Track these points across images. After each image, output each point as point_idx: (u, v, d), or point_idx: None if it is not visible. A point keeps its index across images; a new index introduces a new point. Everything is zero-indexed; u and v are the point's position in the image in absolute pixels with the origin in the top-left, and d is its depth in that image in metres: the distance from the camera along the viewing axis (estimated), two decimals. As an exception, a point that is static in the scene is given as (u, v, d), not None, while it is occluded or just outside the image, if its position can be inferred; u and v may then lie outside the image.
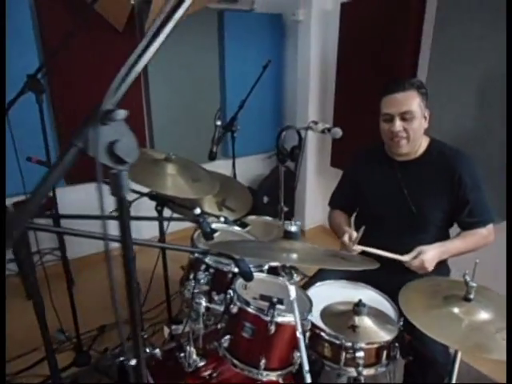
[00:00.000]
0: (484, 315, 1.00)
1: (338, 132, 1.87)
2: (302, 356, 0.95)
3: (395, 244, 1.37)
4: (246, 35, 3.22)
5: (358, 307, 1.04)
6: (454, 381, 1.06)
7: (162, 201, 1.62)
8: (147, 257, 1.81)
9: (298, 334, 0.93)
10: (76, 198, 2.80)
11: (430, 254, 1.32)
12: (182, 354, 1.31)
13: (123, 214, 0.53)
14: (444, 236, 1.50)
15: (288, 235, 0.98)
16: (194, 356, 1.31)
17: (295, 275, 0.96)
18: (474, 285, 1.02)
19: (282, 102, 3.61)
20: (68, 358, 2.10)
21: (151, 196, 1.65)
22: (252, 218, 1.89)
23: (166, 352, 1.37)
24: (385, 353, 1.15)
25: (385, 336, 1.03)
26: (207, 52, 3.12)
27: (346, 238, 1.39)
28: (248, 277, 1.11)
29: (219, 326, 1.22)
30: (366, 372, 1.13)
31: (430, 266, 1.31)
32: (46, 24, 2.39)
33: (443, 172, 1.45)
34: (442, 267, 1.45)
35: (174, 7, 0.48)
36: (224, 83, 3.24)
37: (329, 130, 1.90)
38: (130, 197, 1.62)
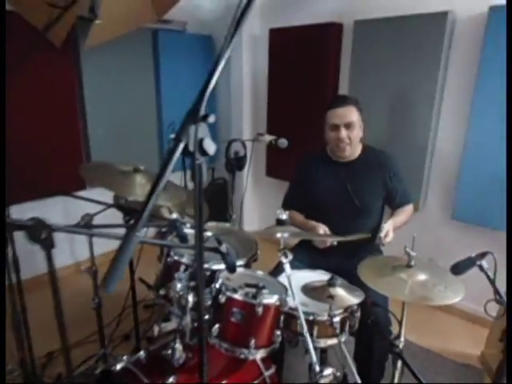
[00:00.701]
0: (423, 276, 1.29)
1: (284, 142, 2.12)
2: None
3: (344, 231, 1.64)
4: (180, 54, 3.36)
5: (331, 280, 1.26)
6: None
7: (129, 211, 1.68)
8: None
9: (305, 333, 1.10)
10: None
11: (389, 226, 1.68)
12: (169, 351, 1.39)
13: (200, 199, 0.66)
14: (380, 216, 1.85)
15: (280, 222, 1.17)
16: (180, 351, 1.39)
17: (289, 254, 1.14)
18: (414, 254, 1.31)
19: (216, 117, 3.79)
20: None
21: (118, 206, 1.70)
22: (211, 224, 2.01)
23: (151, 353, 1.43)
24: (348, 323, 1.38)
25: (355, 300, 1.26)
26: (143, 70, 3.18)
27: (322, 231, 1.65)
28: (232, 269, 1.25)
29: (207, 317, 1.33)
30: (336, 340, 1.35)
31: (391, 235, 1.66)
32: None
33: (377, 169, 1.80)
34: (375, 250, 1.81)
35: (239, 20, 0.63)
36: (160, 100, 3.32)
37: (276, 140, 2.15)
38: (95, 209, 1.64)
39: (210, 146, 0.62)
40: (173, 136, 2.00)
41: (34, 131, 2.61)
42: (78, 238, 2.33)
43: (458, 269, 1.16)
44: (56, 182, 2.71)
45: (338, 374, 1.26)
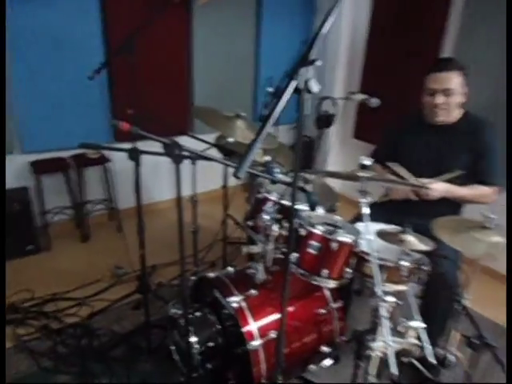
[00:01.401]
0: (498, 238, 1.33)
1: (376, 101, 2.17)
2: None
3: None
4: (281, 10, 3.44)
5: (404, 228, 1.37)
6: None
7: (228, 151, 1.93)
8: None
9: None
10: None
11: (438, 185, 1.66)
12: (253, 270, 1.66)
13: (300, 130, 0.83)
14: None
15: (363, 167, 1.30)
16: (262, 272, 1.65)
17: (368, 196, 1.28)
18: (493, 216, 1.34)
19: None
20: (130, 287, 2.44)
21: (219, 147, 1.96)
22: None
23: (238, 270, 1.72)
24: (416, 274, 1.48)
25: (425, 247, 1.35)
26: (246, 25, 3.37)
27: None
28: (314, 207, 1.43)
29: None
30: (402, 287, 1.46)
31: (435, 193, 1.64)
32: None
33: (470, 137, 1.77)
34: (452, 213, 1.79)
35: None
36: (259, 55, 3.49)
37: (368, 99, 2.19)
38: (201, 147, 1.92)
39: (315, 86, 0.77)
40: (271, 89, 2.21)
41: (153, 76, 2.97)
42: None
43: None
44: (169, 123, 3.09)
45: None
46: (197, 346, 1.54)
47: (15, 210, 2.65)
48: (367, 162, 1.30)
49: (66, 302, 2.32)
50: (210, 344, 1.61)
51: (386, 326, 1.19)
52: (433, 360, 1.21)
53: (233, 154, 1.93)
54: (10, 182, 2.72)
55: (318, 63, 0.77)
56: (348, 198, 3.02)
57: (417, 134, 1.88)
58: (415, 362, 1.78)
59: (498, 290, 2.48)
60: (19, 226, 2.70)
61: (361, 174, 1.30)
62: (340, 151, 3.68)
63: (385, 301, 1.24)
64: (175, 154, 1.07)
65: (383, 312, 1.21)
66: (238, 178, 0.75)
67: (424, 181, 1.64)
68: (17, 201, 2.67)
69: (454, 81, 1.70)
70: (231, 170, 0.76)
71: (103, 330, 2.12)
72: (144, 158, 1.59)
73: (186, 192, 2.64)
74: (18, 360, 1.92)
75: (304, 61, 0.77)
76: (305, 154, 3.42)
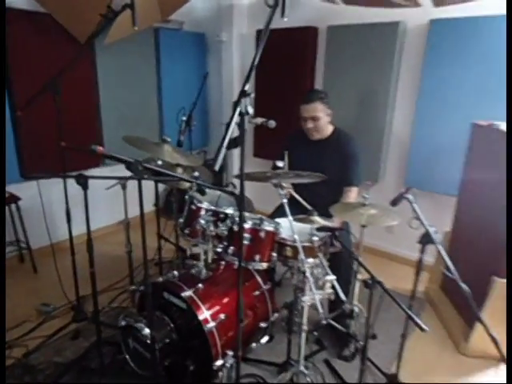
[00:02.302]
0: (373, 211, 1.88)
1: (272, 123, 2.64)
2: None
3: (313, 191, 2.19)
4: (177, 50, 3.85)
5: (311, 212, 1.83)
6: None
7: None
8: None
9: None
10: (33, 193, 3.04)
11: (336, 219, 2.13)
12: (194, 270, 1.94)
13: (242, 147, 1.20)
14: (339, 188, 2.38)
15: (275, 168, 1.73)
16: (204, 269, 1.94)
17: (284, 189, 1.70)
18: (367, 196, 1.90)
19: (208, 105, 4.30)
20: (62, 320, 2.43)
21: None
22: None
23: (183, 272, 1.97)
24: (323, 248, 1.95)
25: (329, 223, 1.83)
26: (146, 63, 3.66)
27: None
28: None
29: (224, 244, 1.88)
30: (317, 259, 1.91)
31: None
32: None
33: (340, 148, 2.37)
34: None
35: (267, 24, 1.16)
36: (161, 89, 3.80)
37: (266, 122, 2.69)
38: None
39: (250, 109, 1.16)
40: (184, 118, 2.59)
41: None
42: (114, 202, 2.73)
43: (393, 202, 1.74)
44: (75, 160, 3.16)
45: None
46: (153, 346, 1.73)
47: None
48: (280, 163, 1.74)
49: (-7, 348, 2.21)
50: (166, 341, 1.81)
51: (310, 282, 1.59)
52: (343, 297, 1.62)
53: (161, 174, 2.19)
54: None
55: (252, 95, 1.16)
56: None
57: (302, 147, 2.43)
58: (332, 322, 2.27)
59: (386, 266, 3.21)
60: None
61: (272, 172, 1.73)
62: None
63: (307, 263, 1.65)
64: (138, 170, 1.33)
65: (308, 273, 1.62)
66: (214, 171, 1.08)
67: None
68: None
69: (318, 108, 2.29)
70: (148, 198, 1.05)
71: (44, 365, 2.11)
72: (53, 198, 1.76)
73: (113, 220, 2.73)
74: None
75: (243, 93, 1.15)
76: (215, 174, 3.81)
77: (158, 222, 2.52)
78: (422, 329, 1.48)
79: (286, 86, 3.52)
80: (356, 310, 2.16)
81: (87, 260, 1.78)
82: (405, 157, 3.13)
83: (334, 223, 2.12)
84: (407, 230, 1.67)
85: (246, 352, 2.13)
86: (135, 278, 2.62)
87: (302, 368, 1.85)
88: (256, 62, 1.19)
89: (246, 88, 1.16)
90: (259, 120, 2.74)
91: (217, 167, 1.11)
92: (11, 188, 2.97)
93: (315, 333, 2.34)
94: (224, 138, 1.13)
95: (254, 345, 2.10)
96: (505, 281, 2.12)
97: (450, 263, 1.61)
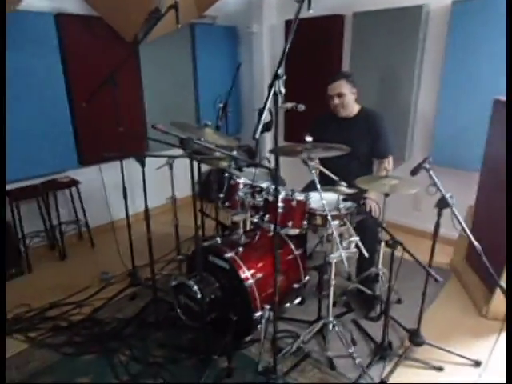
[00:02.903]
0: (395, 181, 2.07)
1: (302, 107, 2.85)
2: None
3: (342, 166, 2.38)
4: (211, 42, 4.13)
5: (338, 182, 2.04)
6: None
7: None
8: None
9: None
10: (90, 178, 3.43)
11: (371, 195, 2.39)
12: (235, 236, 2.22)
13: (276, 122, 1.44)
14: (369, 161, 2.60)
15: (306, 142, 1.96)
16: (243, 235, 2.22)
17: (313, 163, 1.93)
18: (390, 168, 2.08)
19: (240, 94, 4.56)
20: (120, 286, 2.80)
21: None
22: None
23: (224, 237, 2.26)
24: (350, 217, 2.17)
25: (352, 190, 2.04)
26: (183, 55, 3.96)
27: None
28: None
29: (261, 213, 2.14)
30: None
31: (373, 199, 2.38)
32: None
33: (367, 124, 2.56)
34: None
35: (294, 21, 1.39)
36: (196, 79, 4.11)
37: (296, 106, 2.91)
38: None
39: (283, 89, 1.39)
40: (221, 105, 2.90)
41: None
42: (160, 186, 2.98)
43: (413, 172, 1.93)
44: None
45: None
46: (202, 300, 2.01)
47: (-4, 236, 2.85)
48: (309, 138, 1.97)
49: (65, 307, 2.60)
50: (212, 297, 2.10)
51: (337, 241, 1.82)
52: (366, 254, 1.83)
53: (204, 154, 2.47)
54: (-13, 213, 2.92)
55: (284, 77, 1.40)
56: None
57: (331, 127, 2.63)
58: (359, 286, 2.49)
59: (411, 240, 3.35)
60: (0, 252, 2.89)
61: (302, 146, 1.96)
62: (272, 155, 4.39)
63: (334, 225, 1.88)
64: (190, 145, 1.61)
65: (335, 233, 1.84)
66: (255, 139, 1.34)
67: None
68: (-4, 229, 2.87)
69: (342, 85, 2.49)
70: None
71: (109, 320, 2.47)
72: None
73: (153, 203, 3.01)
74: (40, 355, 2.19)
75: (276, 76, 1.38)
76: (250, 154, 4.08)
77: (200, 198, 2.81)
78: (436, 279, 1.68)
79: (315, 72, 3.70)
80: (381, 273, 2.37)
81: (140, 236, 2.09)
82: (430, 135, 3.25)
83: (371, 196, 2.34)
84: (433, 208, 1.86)
85: (281, 311, 2.40)
86: (181, 249, 2.95)
87: (331, 318, 2.09)
88: (287, 51, 1.41)
89: (279, 72, 1.39)
90: (289, 104, 2.96)
91: (257, 135, 1.36)
92: (70, 173, 3.38)
93: (344, 297, 2.57)
94: (262, 111, 1.36)
95: (287, 305, 2.37)
96: (524, 247, 2.25)
97: (464, 224, 1.78)
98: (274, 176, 1.90)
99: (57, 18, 3.03)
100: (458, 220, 1.78)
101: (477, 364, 2.07)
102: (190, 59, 4.02)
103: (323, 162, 2.46)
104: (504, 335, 2.30)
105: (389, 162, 2.59)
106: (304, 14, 1.48)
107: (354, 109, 2.61)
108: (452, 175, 3.12)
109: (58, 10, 3.06)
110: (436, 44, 3.07)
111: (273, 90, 1.39)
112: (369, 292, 2.45)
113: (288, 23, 3.77)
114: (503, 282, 2.21)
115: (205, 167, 3.51)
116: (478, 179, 2.76)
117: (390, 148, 2.61)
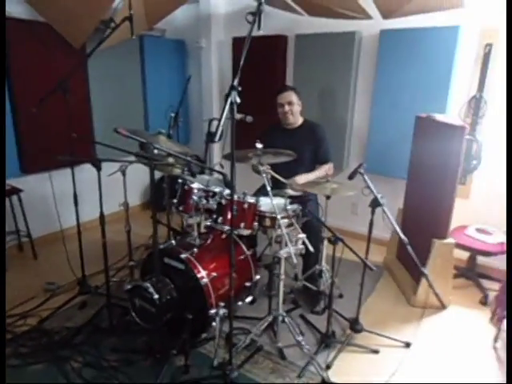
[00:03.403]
0: (335, 185, 2.32)
1: (250, 118, 3.07)
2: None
3: (288, 172, 2.60)
4: (160, 55, 4.22)
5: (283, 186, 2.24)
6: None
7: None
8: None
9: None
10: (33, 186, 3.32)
11: (300, 179, 2.61)
12: (189, 238, 2.32)
13: (233, 132, 1.60)
14: (312, 166, 2.85)
15: (257, 149, 2.14)
16: (197, 237, 2.33)
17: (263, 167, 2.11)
18: (330, 173, 2.34)
19: (188, 105, 4.67)
20: (68, 295, 2.73)
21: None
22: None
23: (179, 240, 2.34)
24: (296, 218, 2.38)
25: (296, 193, 2.25)
26: (132, 66, 4.00)
27: None
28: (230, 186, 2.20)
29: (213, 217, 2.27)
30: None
31: (300, 183, 2.57)
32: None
33: (310, 133, 2.82)
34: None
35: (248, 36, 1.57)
36: (145, 89, 4.16)
37: (244, 117, 3.10)
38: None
39: (238, 99, 1.55)
40: (172, 114, 3.02)
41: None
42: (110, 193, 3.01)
43: (350, 176, 2.19)
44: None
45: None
46: (158, 301, 2.07)
47: None
48: (259, 145, 2.15)
49: (8, 319, 2.48)
50: (168, 297, 2.17)
51: (286, 238, 2.01)
52: (311, 249, 2.02)
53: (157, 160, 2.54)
54: None
55: (239, 88, 1.56)
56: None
57: (278, 136, 2.85)
58: (305, 283, 2.70)
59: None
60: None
61: (253, 152, 2.14)
62: (224, 161, 4.53)
63: (283, 224, 2.07)
64: (150, 149, 1.70)
65: (284, 231, 2.03)
66: (214, 142, 1.47)
67: (293, 179, 2.60)
68: None
69: (292, 95, 2.76)
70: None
71: (58, 329, 2.41)
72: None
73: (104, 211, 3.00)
74: (-18, 367, 2.09)
75: (232, 87, 1.54)
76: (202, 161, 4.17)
77: (154, 200, 2.86)
78: (371, 269, 1.92)
79: (260, 86, 3.94)
80: (324, 269, 2.60)
81: (87, 244, 2.09)
82: (364, 147, 3.63)
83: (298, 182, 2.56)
84: (368, 211, 2.12)
85: (234, 310, 2.52)
86: (133, 256, 2.95)
87: (280, 311, 2.26)
88: (242, 64, 1.58)
89: (235, 83, 1.56)
90: (238, 116, 3.17)
91: (217, 138, 1.50)
92: (12, 181, 3.24)
93: (291, 294, 2.77)
94: (221, 117, 1.51)
95: (240, 303, 2.50)
96: (442, 241, 2.62)
97: (393, 220, 2.07)
98: (228, 180, 2.05)
99: (-1, 22, 2.94)
100: (388, 217, 2.06)
101: (407, 345, 2.35)
102: (139, 69, 4.07)
103: (273, 167, 2.65)
104: (427, 320, 2.64)
105: (330, 168, 2.88)
106: (252, 32, 1.66)
107: (299, 119, 2.87)
108: (383, 182, 3.50)
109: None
110: (368, 67, 3.46)
111: (229, 99, 1.54)
112: (314, 288, 2.67)
113: (235, 40, 3.99)
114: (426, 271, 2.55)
115: (155, 175, 3.56)
116: (405, 185, 3.15)
117: (329, 154, 2.91)
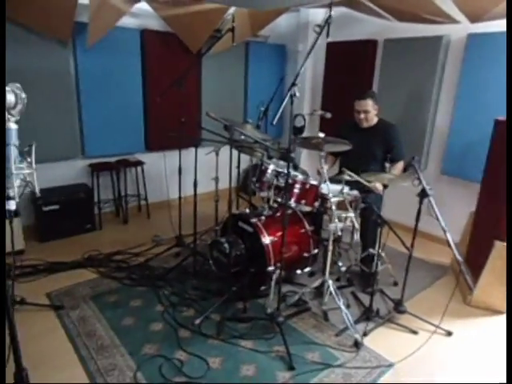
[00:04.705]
0: (391, 176, 2.57)
1: (328, 115, 3.44)
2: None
3: (359, 168, 2.90)
4: (262, 58, 4.82)
5: (343, 172, 2.58)
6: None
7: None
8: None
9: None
10: (152, 161, 4.21)
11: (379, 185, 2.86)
12: (260, 209, 2.82)
13: (293, 121, 2.04)
14: (383, 165, 3.08)
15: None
16: (267, 209, 2.82)
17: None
18: (388, 165, 2.59)
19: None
20: (168, 246, 3.50)
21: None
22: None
23: (252, 210, 2.87)
24: (354, 204, 2.69)
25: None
26: (238, 66, 4.70)
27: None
28: (296, 167, 2.63)
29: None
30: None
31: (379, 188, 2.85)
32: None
33: (383, 133, 3.06)
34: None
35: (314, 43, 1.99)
36: (247, 88, 4.82)
37: (324, 113, 3.48)
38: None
39: (297, 93, 1.98)
40: (262, 108, 3.61)
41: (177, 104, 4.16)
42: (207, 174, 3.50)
43: (405, 168, 2.42)
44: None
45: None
46: (230, 254, 2.61)
47: (80, 198, 3.68)
48: (321, 134, 2.54)
49: (126, 255, 3.34)
50: (238, 253, 2.71)
51: (335, 215, 2.36)
52: (357, 225, 2.33)
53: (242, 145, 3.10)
54: (74, 179, 3.79)
55: (299, 85, 1.99)
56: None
57: (353, 134, 3.15)
58: (361, 266, 2.98)
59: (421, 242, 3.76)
60: (81, 211, 3.72)
61: (317, 140, 2.53)
62: (307, 153, 4.92)
63: (333, 202, 2.42)
64: (233, 131, 2.25)
65: (334, 209, 2.38)
66: (272, 124, 1.94)
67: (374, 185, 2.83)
68: (81, 192, 3.71)
69: (369, 104, 3.01)
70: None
71: (157, 267, 3.16)
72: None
73: (201, 189, 3.67)
74: (107, 282, 2.93)
75: (293, 83, 1.97)
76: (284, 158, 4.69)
77: (238, 190, 3.45)
78: (407, 248, 2.16)
79: (348, 87, 4.25)
80: (382, 256, 2.85)
81: (186, 213, 2.72)
82: (443, 149, 3.67)
83: (377, 185, 2.81)
84: (443, 214, 2.26)
85: (292, 276, 2.96)
86: (218, 223, 3.59)
87: (326, 277, 2.61)
88: (303, 69, 2.01)
89: (296, 82, 1.99)
90: (319, 112, 3.57)
91: (274, 122, 1.95)
92: (138, 156, 4.18)
93: (347, 274, 3.07)
94: (282, 102, 1.95)
95: (298, 271, 2.92)
96: (503, 243, 2.64)
97: (438, 213, 2.24)
98: (289, 159, 2.47)
99: (142, 33, 3.86)
100: (433, 208, 2.25)
101: (449, 334, 2.48)
102: (243, 70, 4.74)
103: (347, 163, 2.97)
104: (478, 320, 2.68)
105: (400, 165, 3.04)
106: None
107: (373, 120, 3.13)
108: (460, 185, 3.54)
109: (143, 26, 3.90)
110: (454, 69, 3.51)
111: (289, 93, 1.98)
112: (367, 270, 2.94)
113: (329, 44, 4.36)
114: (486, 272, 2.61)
115: (244, 165, 4.15)
116: (479, 188, 3.15)
117: (401, 155, 3.07)
